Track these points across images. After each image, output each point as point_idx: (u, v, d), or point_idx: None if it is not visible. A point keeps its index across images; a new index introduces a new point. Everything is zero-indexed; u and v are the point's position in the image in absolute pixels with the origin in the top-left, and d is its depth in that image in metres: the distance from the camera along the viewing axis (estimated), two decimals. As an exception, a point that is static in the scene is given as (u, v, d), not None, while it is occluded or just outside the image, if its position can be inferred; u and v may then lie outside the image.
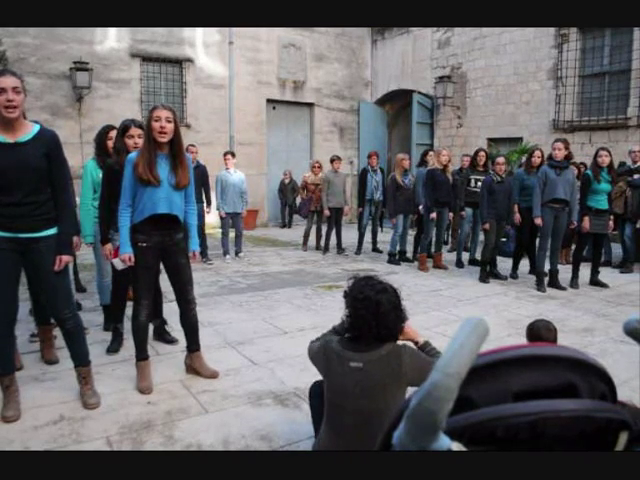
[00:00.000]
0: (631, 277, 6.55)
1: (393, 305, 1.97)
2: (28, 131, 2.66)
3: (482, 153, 7.31)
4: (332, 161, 8.17)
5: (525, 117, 10.27)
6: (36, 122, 2.87)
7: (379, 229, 8.50)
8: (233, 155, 7.72)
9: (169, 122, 2.93)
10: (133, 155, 3.02)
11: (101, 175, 3.77)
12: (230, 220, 7.49)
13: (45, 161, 2.67)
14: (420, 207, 7.22)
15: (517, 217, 6.38)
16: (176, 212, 3.07)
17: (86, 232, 3.97)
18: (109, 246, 3.55)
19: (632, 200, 6.85)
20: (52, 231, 2.76)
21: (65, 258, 2.78)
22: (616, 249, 7.29)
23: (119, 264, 3.24)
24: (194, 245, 3.29)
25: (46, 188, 2.72)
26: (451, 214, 7.13)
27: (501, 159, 6.30)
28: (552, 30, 9.67)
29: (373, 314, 1.94)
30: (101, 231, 3.59)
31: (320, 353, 2.10)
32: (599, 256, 6.20)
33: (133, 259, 3.02)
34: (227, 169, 7.48)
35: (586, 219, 5.84)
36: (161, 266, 3.28)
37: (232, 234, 7.69)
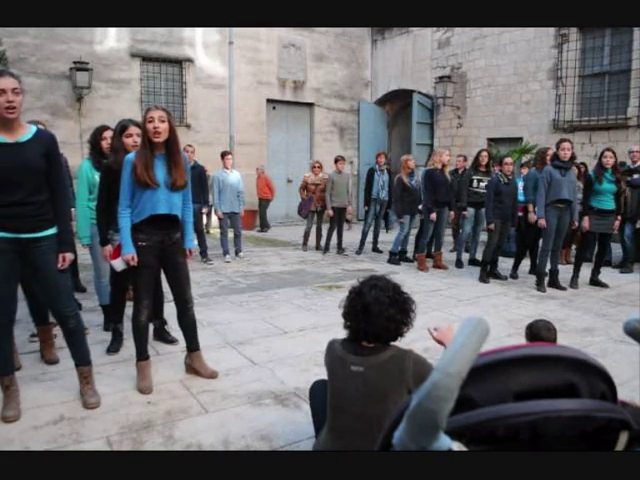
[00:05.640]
0: (631, 277, 6.55)
1: (385, 306, 1.90)
2: (26, 131, 2.69)
3: (484, 153, 7.32)
4: (336, 161, 8.17)
5: (525, 117, 10.27)
6: (35, 122, 2.89)
7: (384, 229, 8.52)
8: (231, 154, 7.77)
9: (162, 122, 2.93)
10: (131, 156, 3.01)
11: (97, 176, 3.76)
12: (228, 220, 7.50)
13: (44, 161, 2.70)
14: (419, 207, 7.23)
15: (532, 216, 6.23)
16: (175, 212, 3.11)
17: (83, 233, 3.94)
18: (109, 247, 3.53)
19: (631, 200, 6.85)
20: (52, 231, 2.77)
21: (69, 256, 2.81)
22: (616, 249, 7.28)
23: (119, 265, 3.23)
24: (189, 243, 3.32)
25: (46, 188, 2.74)
26: (452, 213, 7.15)
27: (509, 159, 6.29)
28: (552, 30, 9.68)
29: (360, 311, 1.91)
30: (100, 232, 3.57)
31: (325, 354, 2.09)
32: (603, 256, 6.19)
33: (137, 259, 3.03)
34: (226, 169, 7.48)
35: (586, 219, 5.84)
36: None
37: (231, 234, 7.70)
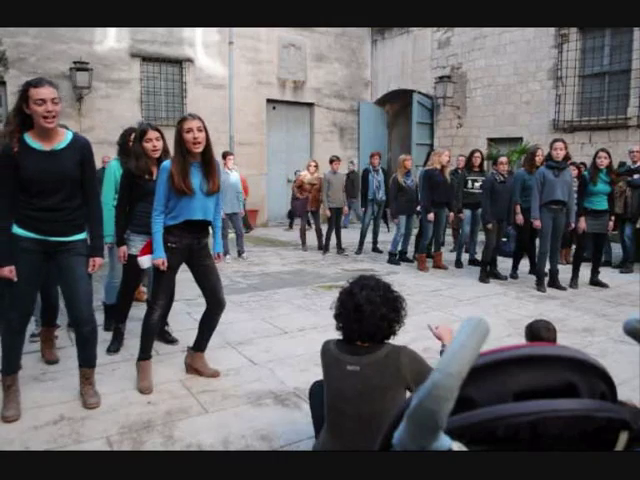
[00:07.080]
0: (631, 277, 6.55)
1: (377, 305, 1.90)
2: (62, 138, 2.71)
3: (477, 154, 7.28)
4: (331, 162, 8.16)
5: (525, 117, 10.27)
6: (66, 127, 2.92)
7: (384, 228, 8.51)
8: (233, 155, 7.79)
9: (200, 131, 2.96)
10: (167, 164, 3.02)
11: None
12: (229, 221, 7.50)
13: (79, 168, 2.74)
14: (418, 207, 7.22)
15: (519, 218, 6.31)
16: (209, 218, 3.14)
17: (107, 232, 3.97)
18: (124, 248, 3.59)
19: (632, 200, 6.85)
20: (80, 236, 2.82)
21: (99, 261, 2.86)
22: (616, 249, 7.28)
23: (145, 262, 3.26)
24: (218, 247, 3.37)
25: (79, 194, 2.78)
26: (452, 214, 7.15)
27: (504, 159, 6.31)
28: (552, 30, 9.67)
29: (352, 311, 1.91)
30: (117, 233, 3.61)
31: (321, 356, 2.09)
32: (599, 256, 6.20)
33: (167, 264, 3.04)
34: (228, 169, 7.48)
35: (581, 219, 5.85)
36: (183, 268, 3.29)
37: (232, 235, 7.70)
